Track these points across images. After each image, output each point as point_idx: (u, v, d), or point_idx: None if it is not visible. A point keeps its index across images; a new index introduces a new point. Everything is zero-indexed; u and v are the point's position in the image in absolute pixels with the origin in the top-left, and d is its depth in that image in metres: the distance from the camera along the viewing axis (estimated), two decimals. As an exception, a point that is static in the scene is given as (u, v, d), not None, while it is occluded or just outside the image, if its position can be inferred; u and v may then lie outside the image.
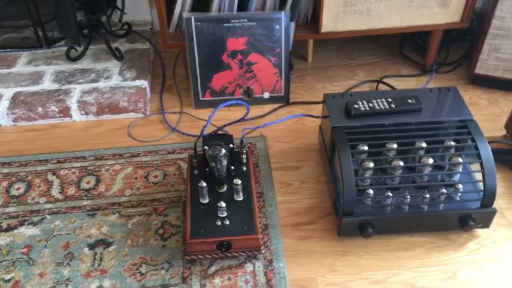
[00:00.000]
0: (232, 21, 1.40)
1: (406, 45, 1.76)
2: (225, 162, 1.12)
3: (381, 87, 1.60)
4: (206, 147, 1.14)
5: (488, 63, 1.49)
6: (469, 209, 1.13)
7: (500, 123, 1.42)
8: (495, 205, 1.12)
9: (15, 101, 1.48)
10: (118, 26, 1.73)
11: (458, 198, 1.14)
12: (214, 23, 1.40)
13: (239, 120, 1.23)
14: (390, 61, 1.72)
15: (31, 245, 1.16)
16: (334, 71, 1.68)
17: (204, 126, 1.21)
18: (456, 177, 1.17)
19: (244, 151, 1.22)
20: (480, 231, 1.17)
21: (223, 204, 1.09)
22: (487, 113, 1.49)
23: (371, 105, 1.21)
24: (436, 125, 1.18)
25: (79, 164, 1.36)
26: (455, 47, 1.70)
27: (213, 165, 1.12)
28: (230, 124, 1.37)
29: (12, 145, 1.43)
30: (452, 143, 1.16)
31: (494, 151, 1.31)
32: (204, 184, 1.11)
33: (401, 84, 1.61)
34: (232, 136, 1.19)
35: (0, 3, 1.72)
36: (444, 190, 1.13)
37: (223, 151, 1.11)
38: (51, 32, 1.70)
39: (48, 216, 1.22)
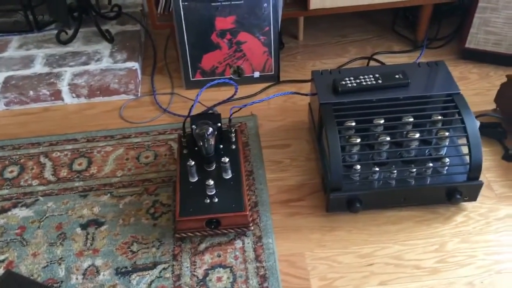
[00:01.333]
0: (220, 0, 1.39)
1: (398, 21, 1.75)
2: (212, 141, 1.13)
3: (372, 63, 1.60)
4: (194, 126, 1.15)
5: (478, 37, 1.48)
6: (456, 183, 1.13)
7: (490, 97, 1.42)
8: (482, 178, 1.13)
9: (7, 85, 1.49)
10: (108, 8, 1.73)
11: (444, 172, 1.15)
12: (201, 2, 1.39)
13: (228, 100, 1.23)
14: (381, 37, 1.71)
15: (25, 226, 1.18)
16: (325, 49, 1.68)
17: (192, 106, 1.22)
18: (443, 151, 1.18)
19: (233, 129, 1.23)
20: (467, 204, 1.18)
21: (211, 182, 1.10)
22: (477, 87, 1.49)
23: (358, 81, 1.21)
24: (423, 100, 1.18)
25: (71, 146, 1.37)
26: (447, 22, 1.69)
27: (201, 144, 1.13)
28: (219, 104, 1.37)
29: (5, 129, 1.44)
30: (439, 117, 1.16)
31: (484, 125, 1.33)
32: (193, 163, 1.12)
33: (392, 60, 1.60)
34: (220, 115, 1.20)
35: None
36: (431, 164, 1.13)
37: (210, 129, 1.11)
38: (42, 15, 1.70)
39: (41, 198, 1.24)
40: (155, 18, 1.45)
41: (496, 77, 1.52)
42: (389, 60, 1.60)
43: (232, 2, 1.40)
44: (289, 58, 1.65)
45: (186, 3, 1.39)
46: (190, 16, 1.41)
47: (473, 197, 1.15)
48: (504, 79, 1.35)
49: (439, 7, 1.60)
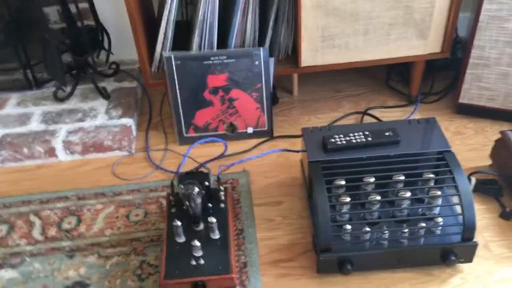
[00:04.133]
0: (212, 58, 1.42)
1: (392, 76, 1.76)
2: (199, 201, 1.11)
3: (366, 118, 1.60)
4: (182, 186, 1.14)
5: (471, 92, 1.48)
6: (451, 243, 1.10)
7: (486, 152, 1.40)
8: (478, 238, 1.10)
9: (2, 143, 1.50)
10: (106, 66, 1.76)
11: (438, 232, 1.12)
12: (194, 61, 1.42)
13: (219, 157, 1.23)
14: (376, 92, 1.72)
15: (9, 288, 1.16)
16: (320, 104, 1.68)
17: (180, 164, 1.21)
18: (436, 210, 1.15)
19: (222, 188, 1.22)
20: (463, 266, 1.13)
21: (198, 243, 1.08)
22: (473, 142, 1.48)
23: (348, 138, 1.20)
24: (414, 158, 1.16)
25: (61, 204, 1.36)
26: (442, 76, 1.69)
27: (187, 204, 1.11)
28: (210, 160, 1.37)
29: (-3, 187, 1.44)
30: (431, 175, 1.14)
31: (480, 182, 1.30)
32: (179, 223, 1.10)
33: (386, 115, 1.60)
34: (208, 173, 1.19)
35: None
36: (424, 224, 1.10)
37: (196, 189, 1.10)
38: (41, 73, 1.73)
39: (27, 259, 1.22)
40: (148, 76, 1.47)
41: (493, 132, 1.50)
42: (383, 115, 1.60)
43: (224, 61, 1.42)
44: (284, 113, 1.65)
45: (178, 62, 1.41)
46: (183, 75, 1.43)
47: (468, 258, 1.11)
48: (499, 135, 1.33)
49: (432, 62, 1.61)
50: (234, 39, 1.43)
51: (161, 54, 1.45)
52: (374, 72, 1.79)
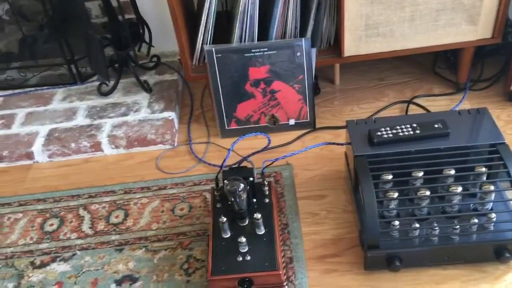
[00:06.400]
0: (253, 51, 1.40)
1: (439, 63, 1.70)
2: (244, 196, 1.11)
3: (412, 108, 1.55)
4: (226, 182, 1.14)
5: (525, 79, 1.41)
6: (505, 240, 1.06)
7: (541, 142, 1.34)
8: (534, 234, 1.05)
9: (50, 137, 1.55)
10: (147, 59, 1.78)
11: (491, 228, 1.08)
12: (235, 54, 1.40)
13: (261, 150, 1.22)
14: (421, 80, 1.66)
15: (62, 281, 1.19)
16: (363, 93, 1.65)
17: (225, 159, 1.21)
18: (489, 206, 1.11)
19: (266, 182, 1.21)
20: (518, 263, 1.09)
21: (244, 239, 1.08)
22: (526, 131, 1.41)
23: (394, 131, 1.17)
24: (465, 151, 1.12)
25: (109, 199, 1.39)
26: (491, 61, 1.62)
27: (233, 200, 1.11)
28: (253, 154, 1.36)
29: (47, 181, 1.48)
30: (483, 169, 1.10)
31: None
32: (224, 219, 1.11)
33: (432, 104, 1.55)
34: (252, 169, 1.18)
35: (38, 42, 1.81)
36: (476, 220, 1.07)
37: (241, 185, 1.10)
38: (85, 68, 1.77)
39: (78, 252, 1.26)
40: (190, 70, 1.47)
41: (547, 120, 1.43)
42: (430, 104, 1.55)
43: (265, 53, 1.40)
44: (325, 103, 1.63)
45: (219, 55, 1.40)
46: (224, 68, 1.42)
47: (524, 255, 1.07)
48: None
49: (481, 47, 1.54)
50: (275, 30, 1.41)
51: (201, 47, 1.44)
52: (419, 59, 1.73)
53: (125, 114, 1.60)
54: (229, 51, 1.40)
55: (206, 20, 1.38)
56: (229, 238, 1.13)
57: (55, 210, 1.38)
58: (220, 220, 1.11)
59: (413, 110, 1.54)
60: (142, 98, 1.66)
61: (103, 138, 1.52)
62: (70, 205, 1.39)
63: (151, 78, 1.74)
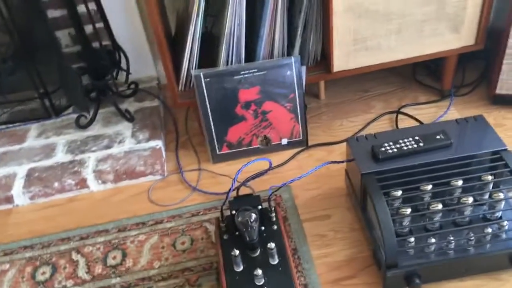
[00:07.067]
0: (242, 72, 1.36)
1: (418, 70, 1.72)
2: (256, 226, 1.07)
3: (400, 117, 1.55)
4: (234, 212, 1.10)
5: (509, 82, 1.44)
6: (518, 246, 1.07)
7: (532, 143, 1.37)
8: (544, 238, 1.06)
9: (30, 178, 1.45)
10: (124, 86, 1.71)
11: (504, 236, 1.08)
12: (223, 77, 1.36)
13: (262, 174, 1.19)
14: (405, 88, 1.68)
15: (64, 335, 1.11)
16: (349, 106, 1.64)
17: (229, 190, 1.16)
18: (499, 214, 1.11)
19: (273, 208, 1.17)
20: (532, 268, 1.10)
21: (260, 272, 1.03)
22: (516, 133, 1.44)
23: (398, 146, 1.16)
24: (470, 160, 1.12)
25: (102, 239, 1.31)
26: (470, 66, 1.66)
27: (244, 230, 1.07)
28: (252, 178, 1.32)
29: (32, 225, 1.38)
30: (489, 177, 1.10)
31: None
32: (237, 253, 1.06)
33: (421, 112, 1.56)
34: (259, 196, 1.14)
35: (2, 74, 1.70)
36: (490, 230, 1.07)
37: (253, 216, 1.06)
38: (59, 100, 1.67)
39: (77, 301, 1.18)
40: (177, 96, 1.41)
41: (533, 120, 1.47)
42: (417, 112, 1.56)
43: (255, 74, 1.37)
44: (314, 119, 1.61)
45: (208, 79, 1.36)
46: (213, 92, 1.37)
47: (538, 260, 1.08)
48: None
49: (462, 53, 1.56)
50: (262, 50, 1.38)
51: (187, 72, 1.39)
52: (399, 68, 1.74)
53: (108, 147, 1.52)
54: (218, 74, 1.36)
55: (192, 44, 1.34)
56: (242, 271, 1.08)
57: (45, 257, 1.29)
58: (233, 253, 1.06)
59: (402, 119, 1.55)
60: (124, 128, 1.59)
61: (88, 174, 1.44)
62: (60, 249, 1.30)
63: (130, 106, 1.67)
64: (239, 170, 1.17)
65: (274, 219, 1.17)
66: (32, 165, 1.49)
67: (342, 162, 1.27)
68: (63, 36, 1.67)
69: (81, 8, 1.52)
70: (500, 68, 1.42)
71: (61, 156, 1.51)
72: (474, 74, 1.64)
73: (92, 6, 1.51)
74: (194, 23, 1.29)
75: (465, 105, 1.56)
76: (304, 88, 1.42)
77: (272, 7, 1.30)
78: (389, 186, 1.10)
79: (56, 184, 1.43)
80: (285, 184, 1.23)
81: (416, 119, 1.53)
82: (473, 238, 1.07)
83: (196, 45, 1.34)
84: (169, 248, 1.27)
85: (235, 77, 1.37)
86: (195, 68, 1.38)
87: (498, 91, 1.48)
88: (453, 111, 1.54)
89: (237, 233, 1.13)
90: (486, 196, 1.11)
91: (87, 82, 1.61)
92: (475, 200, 1.09)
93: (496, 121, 1.49)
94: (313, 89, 1.69)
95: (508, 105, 1.51)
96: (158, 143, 1.51)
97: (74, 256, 1.28)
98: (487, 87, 1.58)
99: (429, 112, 1.56)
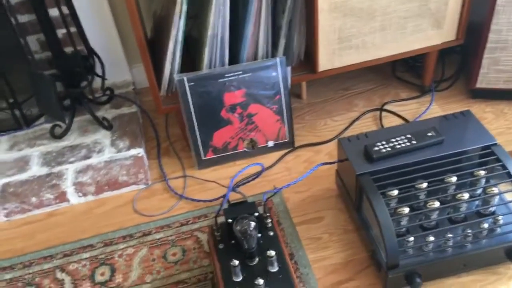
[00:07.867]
0: (227, 75, 1.33)
1: (398, 67, 1.72)
2: (255, 234, 1.04)
3: (384, 114, 1.55)
4: (230, 220, 1.06)
5: (489, 76, 1.46)
6: (513, 240, 1.08)
7: (512, 136, 1.40)
8: (538, 230, 1.08)
9: (5, 194, 1.36)
10: (100, 92, 1.63)
11: (499, 230, 1.09)
12: (208, 80, 1.32)
13: (253, 178, 1.16)
14: (385, 85, 1.68)
15: None
16: (332, 105, 1.63)
17: (224, 200, 1.13)
18: (493, 209, 1.12)
19: (268, 214, 1.14)
20: (527, 259, 1.12)
21: (261, 281, 1.00)
22: (497, 126, 1.46)
23: (391, 144, 1.15)
24: (462, 156, 1.13)
25: (88, 254, 1.25)
26: (448, 61, 1.67)
27: (243, 239, 1.03)
28: (243, 183, 1.29)
29: (10, 244, 1.30)
30: (482, 172, 1.11)
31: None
32: (237, 263, 1.02)
33: (403, 108, 1.56)
34: (255, 203, 1.11)
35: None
36: (486, 225, 1.07)
37: (252, 224, 1.02)
38: (29, 110, 1.59)
39: (66, 322, 1.11)
40: (160, 102, 1.36)
41: (512, 113, 1.50)
42: (400, 108, 1.56)
43: (240, 76, 1.33)
44: (297, 119, 1.58)
45: (192, 84, 1.31)
46: (198, 96, 1.33)
47: (533, 252, 1.09)
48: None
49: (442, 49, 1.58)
50: (246, 51, 1.34)
51: (170, 77, 1.34)
52: (378, 65, 1.74)
53: (87, 157, 1.45)
54: (202, 78, 1.32)
55: (174, 47, 1.29)
56: (242, 281, 1.04)
57: (27, 277, 1.21)
58: (232, 264, 1.02)
59: (386, 116, 1.55)
60: (103, 136, 1.52)
61: (67, 187, 1.37)
62: (43, 268, 1.23)
63: (107, 113, 1.60)
64: (234, 177, 1.13)
65: (270, 225, 1.14)
66: (6, 180, 1.41)
67: (335, 162, 1.25)
68: (31, 42, 1.59)
69: (52, 12, 1.45)
70: (481, 62, 1.44)
71: (36, 169, 1.43)
72: (451, 68, 1.66)
73: (64, 10, 1.43)
74: (177, 25, 1.24)
75: (445, 100, 1.58)
76: (289, 89, 1.40)
77: (256, 7, 1.27)
78: (385, 186, 1.10)
79: (33, 199, 1.36)
80: (280, 189, 1.20)
81: (400, 116, 1.53)
82: (470, 234, 1.07)
83: (179, 48, 1.29)
84: (160, 260, 1.22)
85: (220, 80, 1.33)
86: (177, 72, 1.33)
87: (478, 85, 1.50)
88: (434, 107, 1.56)
89: (233, 241, 1.10)
90: (480, 191, 1.12)
91: (60, 89, 1.54)
92: (470, 196, 1.09)
93: (477, 114, 1.49)
94: (295, 89, 1.67)
95: (488, 99, 1.53)
96: (139, 151, 1.46)
97: (59, 275, 1.21)
98: (465, 81, 1.60)
99: (411, 108, 1.56)
